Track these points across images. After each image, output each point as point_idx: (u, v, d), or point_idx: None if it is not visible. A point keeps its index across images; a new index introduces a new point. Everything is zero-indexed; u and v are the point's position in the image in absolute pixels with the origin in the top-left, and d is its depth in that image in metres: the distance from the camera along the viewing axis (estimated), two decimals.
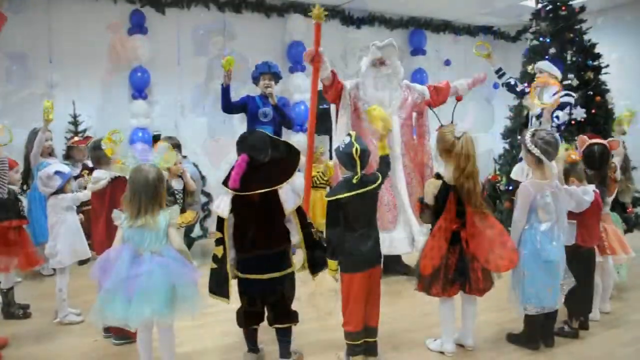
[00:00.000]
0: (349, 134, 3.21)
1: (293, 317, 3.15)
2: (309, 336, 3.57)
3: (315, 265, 3.20)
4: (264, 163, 3.00)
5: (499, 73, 5.35)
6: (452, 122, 3.40)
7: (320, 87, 4.79)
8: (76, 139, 5.88)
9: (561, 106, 4.71)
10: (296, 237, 3.12)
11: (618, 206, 4.59)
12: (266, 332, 3.21)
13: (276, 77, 5.38)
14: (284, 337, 3.15)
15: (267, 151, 3.01)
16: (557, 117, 4.76)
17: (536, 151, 3.24)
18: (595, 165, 3.88)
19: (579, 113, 5.65)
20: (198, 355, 3.35)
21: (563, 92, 4.69)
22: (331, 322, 3.61)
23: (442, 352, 3.36)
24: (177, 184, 5.00)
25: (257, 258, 3.04)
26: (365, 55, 5.03)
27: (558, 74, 4.89)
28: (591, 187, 3.63)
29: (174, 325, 2.99)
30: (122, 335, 3.46)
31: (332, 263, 3.13)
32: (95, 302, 2.80)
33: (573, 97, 5.18)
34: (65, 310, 3.96)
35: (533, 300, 3.28)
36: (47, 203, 4.01)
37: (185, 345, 3.43)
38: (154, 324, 2.95)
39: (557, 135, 3.34)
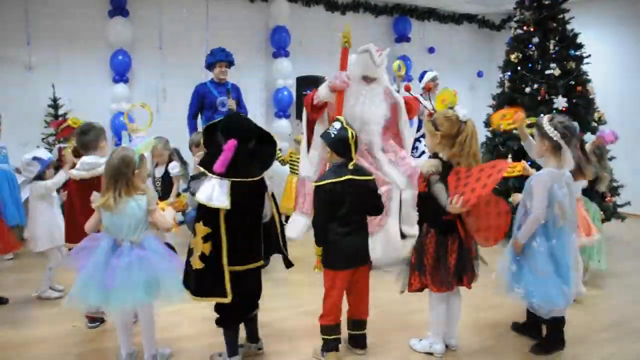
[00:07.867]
0: (338, 119, 3.14)
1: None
2: (286, 321, 3.59)
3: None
4: (250, 150, 2.83)
5: None
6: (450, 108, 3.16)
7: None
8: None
9: None
10: (268, 216, 3.00)
11: (597, 195, 4.63)
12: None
13: (230, 65, 5.76)
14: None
15: (253, 138, 2.87)
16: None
17: (555, 135, 2.99)
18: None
19: (560, 102, 5.73)
20: (178, 340, 3.34)
21: None
22: (310, 308, 3.58)
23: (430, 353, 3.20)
24: (157, 172, 4.93)
25: (250, 248, 2.88)
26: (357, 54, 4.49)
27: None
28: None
29: (154, 311, 2.98)
30: (93, 319, 3.50)
31: (318, 249, 3.12)
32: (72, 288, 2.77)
33: None
34: (47, 285, 4.01)
35: (539, 298, 3.00)
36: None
37: (165, 330, 3.40)
38: (135, 310, 2.94)
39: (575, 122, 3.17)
